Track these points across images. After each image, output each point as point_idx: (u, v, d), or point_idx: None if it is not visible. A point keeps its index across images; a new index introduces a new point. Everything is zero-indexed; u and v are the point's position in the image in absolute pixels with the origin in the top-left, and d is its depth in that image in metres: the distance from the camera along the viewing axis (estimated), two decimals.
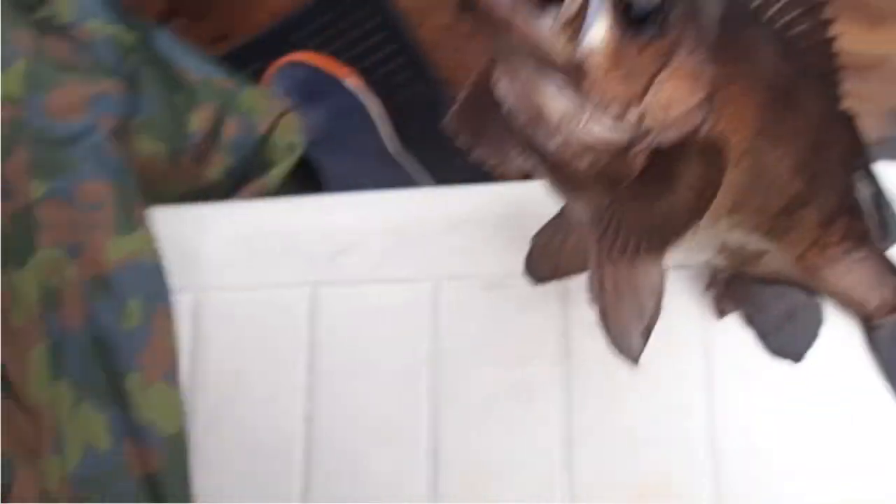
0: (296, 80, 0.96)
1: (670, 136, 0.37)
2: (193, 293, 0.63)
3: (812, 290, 0.53)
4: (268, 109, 0.74)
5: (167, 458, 0.59)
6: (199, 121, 0.69)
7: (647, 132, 0.37)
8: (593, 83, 0.35)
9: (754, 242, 0.47)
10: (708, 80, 0.37)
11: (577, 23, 0.33)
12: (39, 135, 0.62)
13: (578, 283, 0.45)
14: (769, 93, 0.41)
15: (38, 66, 0.63)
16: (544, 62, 0.35)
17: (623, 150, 0.37)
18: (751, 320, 0.54)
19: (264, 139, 0.74)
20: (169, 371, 0.61)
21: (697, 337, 0.56)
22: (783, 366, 0.54)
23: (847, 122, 0.47)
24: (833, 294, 0.53)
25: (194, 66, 0.71)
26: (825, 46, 0.43)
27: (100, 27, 0.69)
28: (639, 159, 0.38)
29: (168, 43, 0.72)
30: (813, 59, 0.43)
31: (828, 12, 0.42)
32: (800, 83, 0.43)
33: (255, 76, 0.96)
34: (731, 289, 0.54)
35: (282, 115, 0.75)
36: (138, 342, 0.60)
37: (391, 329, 0.61)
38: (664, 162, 0.37)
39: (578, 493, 0.55)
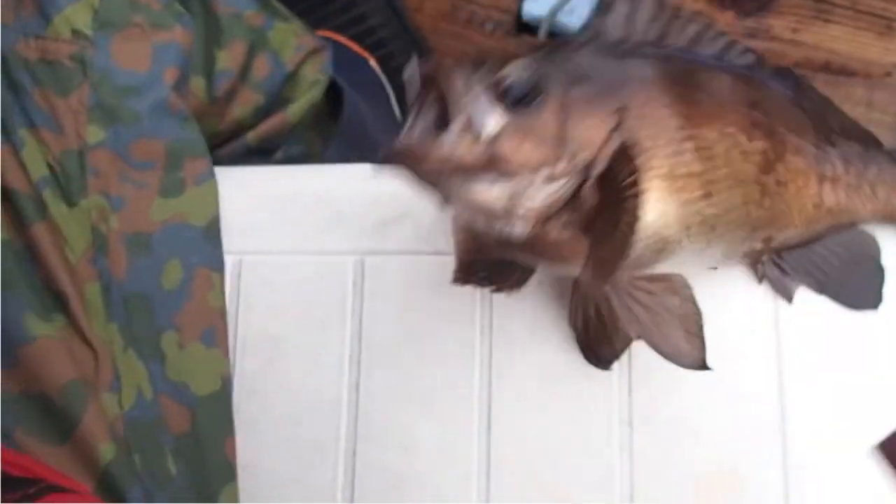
0: None
1: (602, 164, 0.42)
2: (237, 255, 0.61)
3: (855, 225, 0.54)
4: (297, 46, 0.72)
5: (202, 419, 0.58)
6: (230, 58, 0.67)
7: (584, 173, 0.42)
8: (513, 163, 0.40)
9: (757, 208, 0.49)
10: (609, 110, 0.43)
11: (472, 126, 0.39)
12: (103, 77, 0.60)
13: None
14: (674, 89, 0.46)
15: (109, 3, 0.60)
16: (465, 169, 0.39)
17: (574, 198, 0.42)
18: (819, 287, 0.54)
19: (291, 75, 0.72)
20: (207, 332, 0.60)
21: (768, 321, 0.55)
22: (855, 351, 0.54)
23: (770, 74, 0.52)
24: (874, 219, 0.55)
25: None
26: (702, 42, 0.50)
27: None
28: (591, 196, 0.42)
29: None
30: (699, 52, 0.50)
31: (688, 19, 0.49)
32: (698, 72, 0.48)
33: None
34: (782, 267, 0.54)
35: (311, 52, 0.73)
36: (175, 303, 0.59)
37: (441, 302, 0.59)
38: (610, 184, 0.42)
39: (639, 479, 0.54)
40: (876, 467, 0.53)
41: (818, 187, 0.51)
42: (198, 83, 0.65)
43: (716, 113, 0.47)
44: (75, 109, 0.58)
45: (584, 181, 0.42)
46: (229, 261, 0.61)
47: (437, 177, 0.40)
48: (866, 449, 0.53)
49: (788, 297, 0.54)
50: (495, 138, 0.40)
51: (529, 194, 0.41)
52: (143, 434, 0.55)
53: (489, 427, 0.57)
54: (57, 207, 0.57)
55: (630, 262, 0.44)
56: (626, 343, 0.52)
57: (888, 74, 1.05)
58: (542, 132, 0.41)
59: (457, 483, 0.56)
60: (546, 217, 0.42)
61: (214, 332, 0.60)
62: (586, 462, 0.55)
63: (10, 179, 0.56)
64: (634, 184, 0.41)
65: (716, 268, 0.54)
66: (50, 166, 0.57)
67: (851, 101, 1.06)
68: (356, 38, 1.09)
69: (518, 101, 0.40)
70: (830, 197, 0.52)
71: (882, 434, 0.53)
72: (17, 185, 0.56)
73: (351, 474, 0.57)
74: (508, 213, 0.41)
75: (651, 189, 0.44)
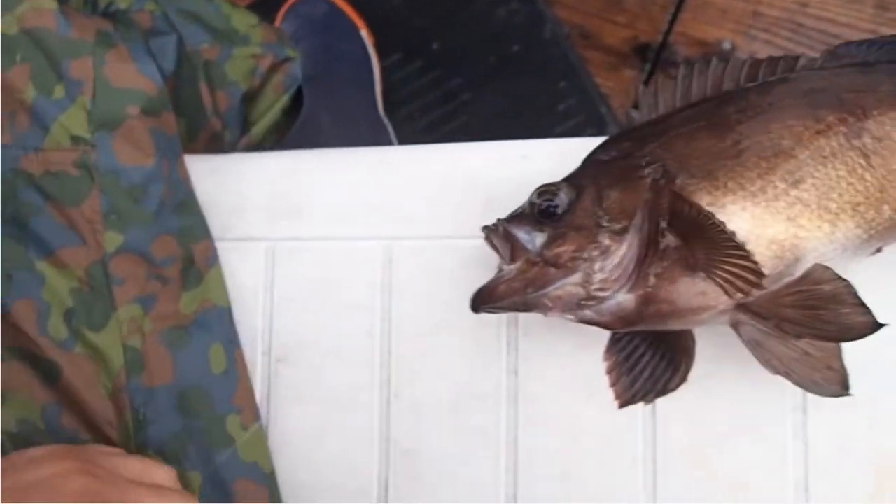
0: (315, 14, 0.96)
1: (646, 218, 0.48)
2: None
3: None
4: (254, 70, 0.75)
5: (270, 496, 0.59)
6: (202, 97, 0.69)
7: (637, 230, 0.48)
8: (564, 258, 0.48)
9: (867, 170, 0.49)
10: (638, 175, 0.50)
11: (523, 251, 0.49)
12: (111, 180, 0.58)
13: None
14: (713, 121, 0.51)
15: (101, 99, 0.58)
16: (536, 284, 0.48)
17: (654, 249, 0.48)
18: None
19: (252, 97, 0.75)
20: (257, 412, 0.61)
21: None
22: None
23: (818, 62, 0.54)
24: None
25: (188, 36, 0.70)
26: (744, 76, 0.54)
27: (155, 7, 0.68)
28: (667, 241, 0.48)
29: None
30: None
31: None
32: (735, 98, 0.52)
33: None
34: None
35: (271, 70, 0.76)
36: (229, 386, 0.60)
37: None
38: (681, 221, 0.48)
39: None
40: None
41: None
42: (180, 125, 0.66)
43: (768, 118, 0.50)
44: (90, 218, 0.57)
45: (654, 234, 0.48)
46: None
47: (519, 301, 0.49)
48: None
49: None
50: (542, 250, 0.48)
51: (597, 270, 0.47)
52: None
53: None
54: (84, 346, 0.56)
55: (771, 278, 0.48)
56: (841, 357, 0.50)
57: None
58: (580, 222, 0.49)
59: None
60: (637, 276, 0.48)
61: (258, 410, 0.61)
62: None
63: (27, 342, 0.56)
64: (692, 209, 0.47)
65: (879, 249, 0.52)
66: (75, 291, 0.57)
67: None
68: None
69: (553, 214, 0.49)
70: None
71: None
72: (35, 349, 0.56)
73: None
74: (592, 295, 0.48)
75: (725, 204, 0.48)
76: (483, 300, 0.50)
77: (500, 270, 0.50)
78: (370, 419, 0.60)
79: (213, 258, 0.62)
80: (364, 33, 1.00)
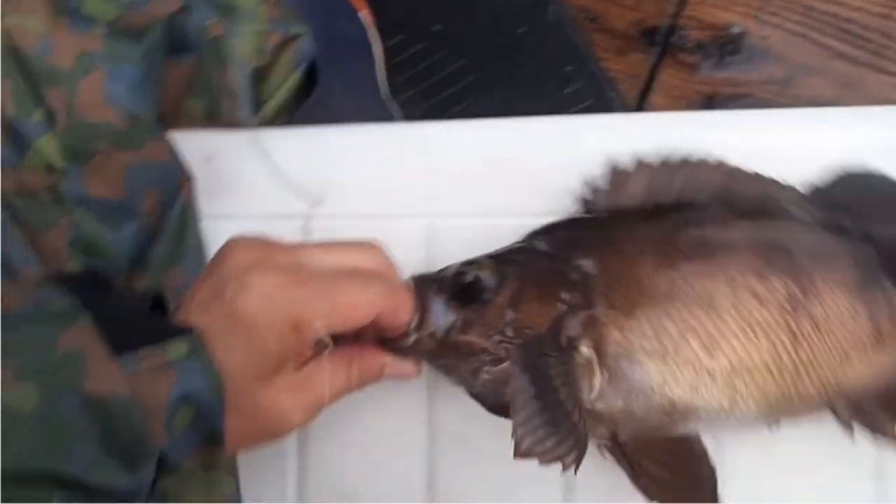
0: None
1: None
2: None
3: None
4: (261, 48, 0.71)
5: None
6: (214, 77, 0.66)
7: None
8: (463, 349, 0.47)
9: (790, 354, 0.46)
10: (558, 294, 0.47)
11: (431, 323, 0.47)
12: (79, 211, 0.55)
13: None
14: (657, 252, 0.47)
15: (72, 131, 0.55)
16: (432, 356, 0.48)
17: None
18: None
19: (261, 76, 0.72)
20: None
21: None
22: None
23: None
24: None
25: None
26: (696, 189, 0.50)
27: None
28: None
29: None
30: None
31: None
32: (689, 226, 0.48)
33: None
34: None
35: (280, 47, 0.72)
36: None
37: None
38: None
39: None
40: None
41: (869, 322, 0.47)
42: (196, 105, 0.65)
43: (714, 262, 0.46)
44: (55, 246, 0.55)
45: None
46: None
47: (446, 369, 0.48)
48: None
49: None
50: (449, 331, 0.47)
51: (484, 372, 0.46)
52: None
53: None
54: None
55: (653, 428, 0.47)
56: None
57: None
58: (488, 320, 0.47)
59: None
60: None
61: None
62: None
63: None
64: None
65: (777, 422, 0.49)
66: None
67: None
68: None
69: (472, 297, 0.47)
70: (886, 324, 0.47)
71: None
72: None
73: None
74: (477, 390, 0.48)
75: (635, 351, 0.45)
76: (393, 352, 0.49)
77: (408, 336, 0.47)
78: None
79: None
80: (363, 14, 0.96)
